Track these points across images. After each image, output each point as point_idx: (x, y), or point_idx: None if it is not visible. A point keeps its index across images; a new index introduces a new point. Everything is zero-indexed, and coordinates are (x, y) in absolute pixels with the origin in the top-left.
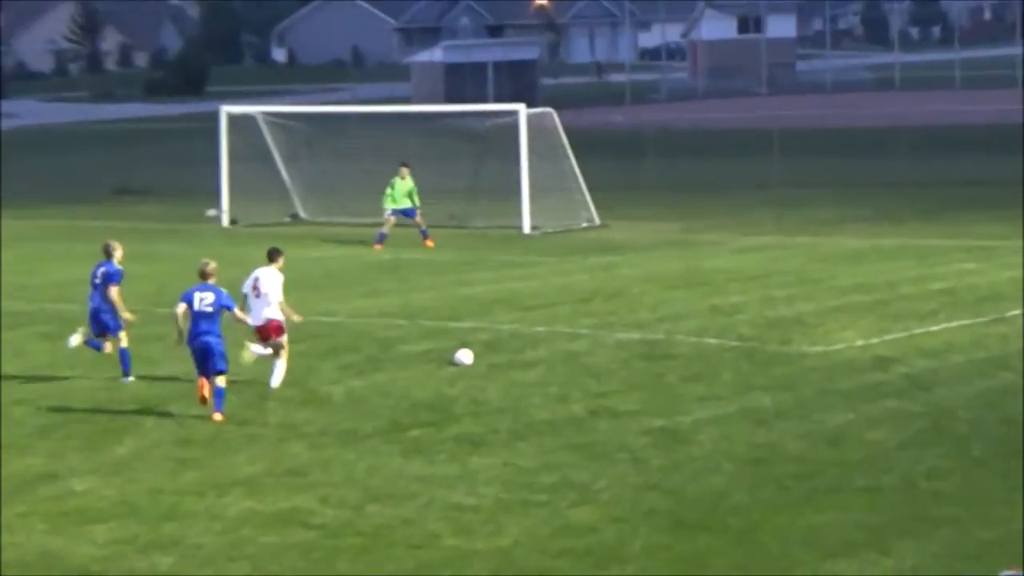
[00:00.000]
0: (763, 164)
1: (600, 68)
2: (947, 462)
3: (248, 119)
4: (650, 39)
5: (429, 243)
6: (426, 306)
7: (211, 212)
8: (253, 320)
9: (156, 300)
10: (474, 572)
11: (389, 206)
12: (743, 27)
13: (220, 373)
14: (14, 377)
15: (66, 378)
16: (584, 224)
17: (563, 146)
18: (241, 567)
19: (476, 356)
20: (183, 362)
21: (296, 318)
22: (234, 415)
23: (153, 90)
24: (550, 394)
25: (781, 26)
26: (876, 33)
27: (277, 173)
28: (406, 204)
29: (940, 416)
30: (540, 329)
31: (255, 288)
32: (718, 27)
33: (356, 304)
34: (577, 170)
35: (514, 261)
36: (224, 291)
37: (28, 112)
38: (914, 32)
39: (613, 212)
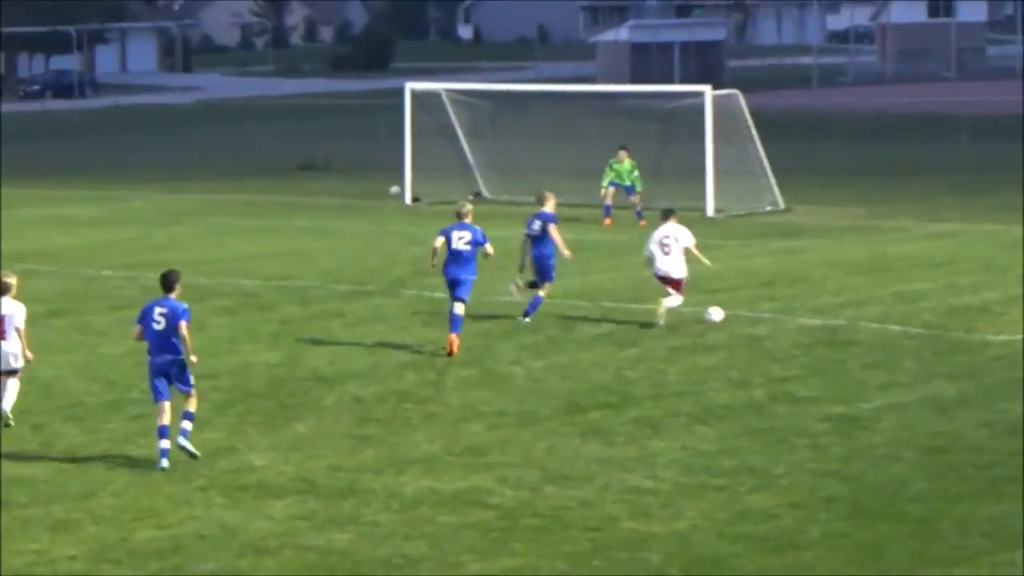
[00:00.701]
0: (951, 150)
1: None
2: None
3: (432, 96)
4: (839, 21)
5: (643, 223)
6: (607, 287)
7: (394, 189)
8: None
9: (336, 277)
10: (651, 555)
11: (608, 182)
12: (933, 11)
13: (462, 301)
14: (195, 351)
15: (247, 353)
16: (768, 207)
17: (748, 128)
18: (418, 546)
19: (656, 339)
20: (362, 337)
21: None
22: (413, 393)
23: (338, 65)
24: (730, 378)
25: (971, 10)
26: None
27: (460, 151)
28: (626, 183)
29: None
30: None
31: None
32: (908, 10)
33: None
34: (762, 153)
35: (697, 244)
36: (479, 229)
37: (213, 85)
38: None
39: (797, 196)
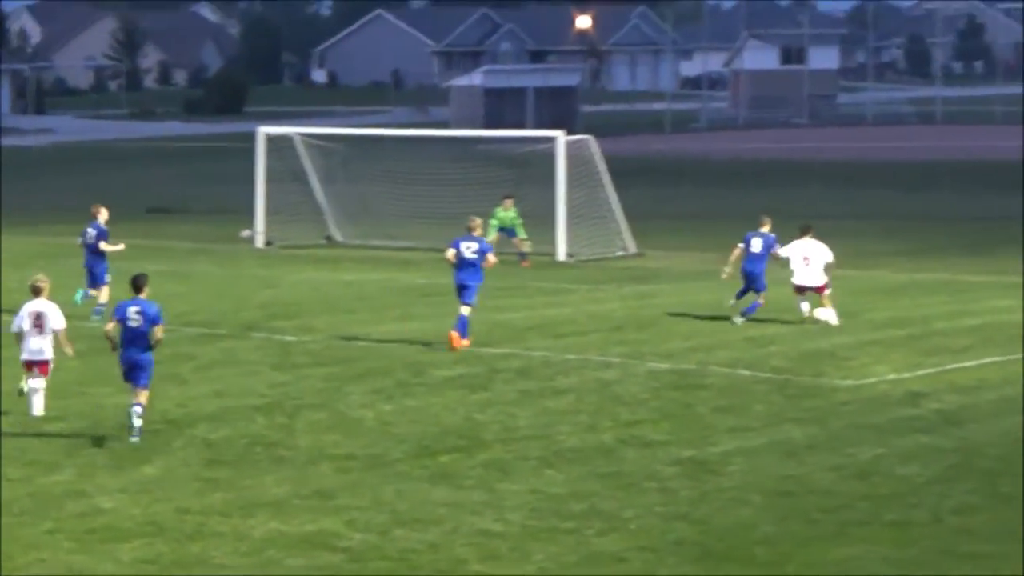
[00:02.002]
0: (803, 196)
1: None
2: (976, 498)
3: (286, 140)
4: (692, 68)
5: (526, 264)
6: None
7: (246, 233)
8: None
9: (188, 319)
10: None
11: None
12: (786, 58)
13: (469, 305)
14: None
15: (97, 395)
16: (619, 252)
17: (601, 174)
18: None
19: (507, 383)
20: (212, 381)
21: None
22: (263, 436)
23: (192, 109)
24: (580, 422)
25: (824, 58)
26: (919, 67)
27: (313, 195)
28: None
29: (970, 452)
30: (572, 357)
31: None
32: (761, 57)
33: (388, 328)
34: (614, 198)
35: (548, 288)
36: (485, 240)
37: (67, 128)
38: (957, 66)
39: (649, 241)
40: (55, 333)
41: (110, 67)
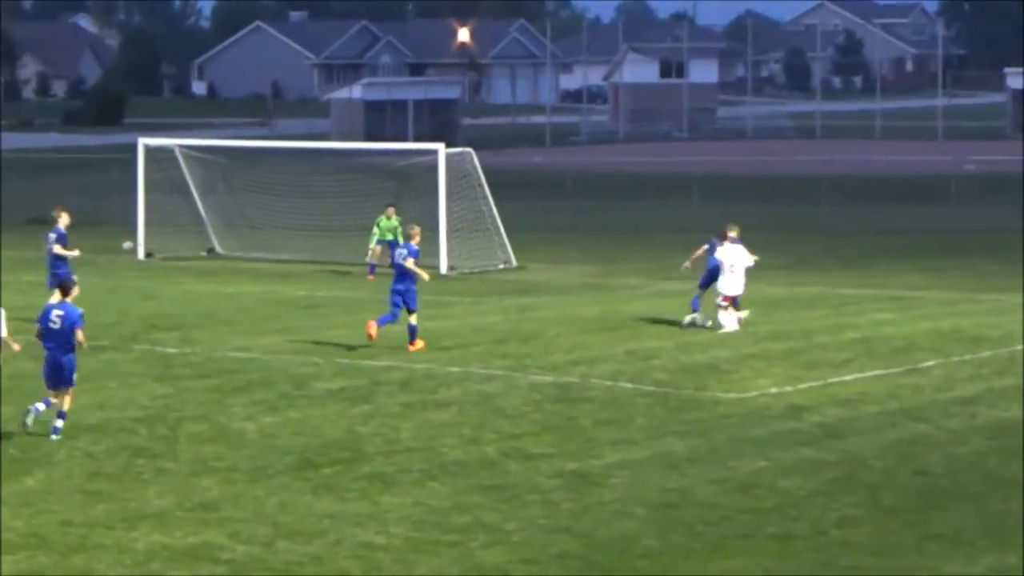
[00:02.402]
0: (683, 209)
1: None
2: (858, 511)
3: (166, 151)
4: (572, 81)
5: (371, 278)
6: (340, 344)
7: (127, 244)
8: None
9: None
10: None
11: (376, 241)
12: (665, 71)
13: (412, 312)
14: None
15: None
16: (501, 265)
17: (482, 186)
18: None
19: (389, 395)
20: (94, 393)
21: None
22: (145, 448)
23: (71, 120)
24: (463, 435)
25: (703, 71)
26: (798, 81)
27: (194, 206)
28: (389, 239)
29: (852, 465)
30: (454, 369)
31: None
32: (640, 71)
33: (270, 340)
34: (495, 211)
35: (430, 301)
36: (415, 247)
37: None
38: (836, 81)
39: (531, 254)
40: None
41: None
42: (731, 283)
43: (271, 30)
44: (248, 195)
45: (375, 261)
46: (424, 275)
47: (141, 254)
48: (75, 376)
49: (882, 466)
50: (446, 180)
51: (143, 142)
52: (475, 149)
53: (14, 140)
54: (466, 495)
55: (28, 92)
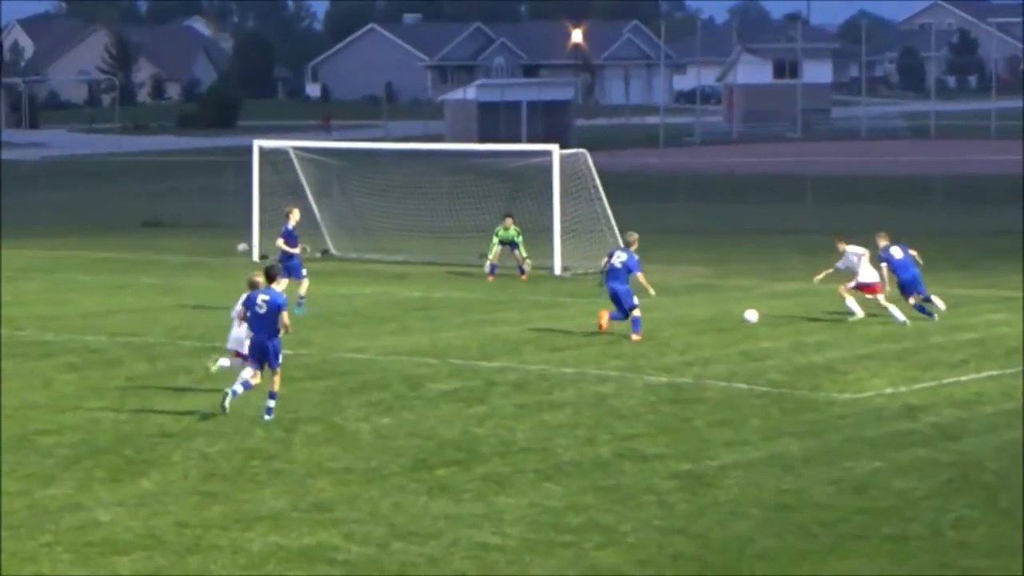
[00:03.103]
0: (796, 210)
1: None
2: (974, 513)
3: (280, 154)
4: (685, 82)
5: (524, 278)
6: (455, 345)
7: (242, 246)
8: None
9: (183, 333)
10: None
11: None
12: (779, 72)
13: (634, 308)
14: (41, 407)
15: (93, 409)
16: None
17: (596, 188)
18: None
19: (504, 396)
20: (209, 395)
21: None
22: (260, 450)
23: (185, 123)
24: (578, 435)
25: (817, 72)
26: (912, 81)
27: (308, 209)
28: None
29: (968, 466)
30: (569, 370)
31: None
32: (754, 72)
33: (385, 342)
34: (609, 212)
35: (544, 302)
36: (636, 257)
37: (59, 142)
38: (951, 81)
39: (644, 255)
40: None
41: (103, 81)
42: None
43: (385, 32)
44: (362, 197)
45: (496, 262)
46: (649, 289)
47: (256, 256)
48: (280, 358)
49: (998, 467)
50: (560, 181)
51: (258, 144)
52: (588, 150)
53: (129, 143)
54: (581, 496)
55: (143, 95)
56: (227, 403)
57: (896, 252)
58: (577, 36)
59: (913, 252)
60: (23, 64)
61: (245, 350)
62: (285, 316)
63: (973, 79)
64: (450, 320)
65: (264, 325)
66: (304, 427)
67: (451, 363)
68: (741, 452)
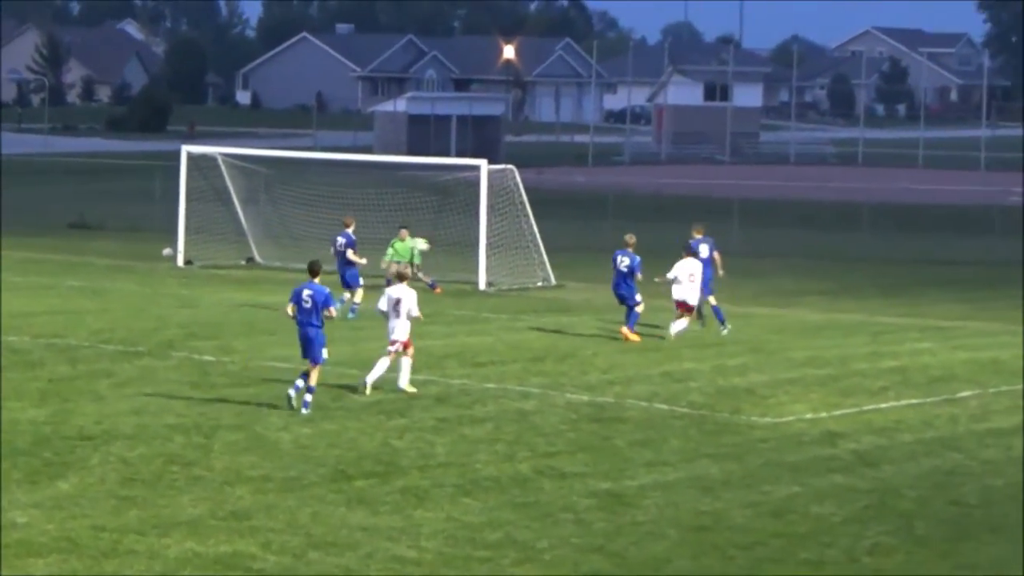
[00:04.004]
0: (723, 232)
1: None
2: (891, 540)
3: (209, 160)
4: (616, 101)
5: (438, 291)
6: (374, 356)
7: (167, 251)
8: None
9: (107, 337)
10: None
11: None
12: (710, 94)
13: (637, 304)
14: None
15: (12, 410)
16: (540, 283)
17: (523, 204)
18: None
19: (425, 410)
20: (130, 399)
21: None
22: (179, 456)
23: (115, 125)
24: (497, 451)
25: (747, 96)
26: (842, 108)
27: (235, 216)
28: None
29: (886, 493)
30: (490, 386)
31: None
32: (685, 93)
33: None
34: (536, 229)
35: (468, 316)
36: (637, 257)
37: None
38: (880, 109)
39: (570, 273)
40: (413, 319)
41: (33, 81)
42: (689, 292)
43: (317, 41)
44: (289, 206)
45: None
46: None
47: (181, 261)
48: (325, 352)
49: (916, 495)
50: (487, 196)
51: (186, 149)
52: (517, 166)
53: (58, 144)
54: (499, 512)
55: (73, 96)
56: (292, 393)
57: (703, 249)
58: (509, 52)
59: (716, 255)
60: None
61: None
62: (331, 309)
63: (902, 108)
64: (374, 332)
65: (310, 318)
66: (224, 434)
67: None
68: (660, 473)
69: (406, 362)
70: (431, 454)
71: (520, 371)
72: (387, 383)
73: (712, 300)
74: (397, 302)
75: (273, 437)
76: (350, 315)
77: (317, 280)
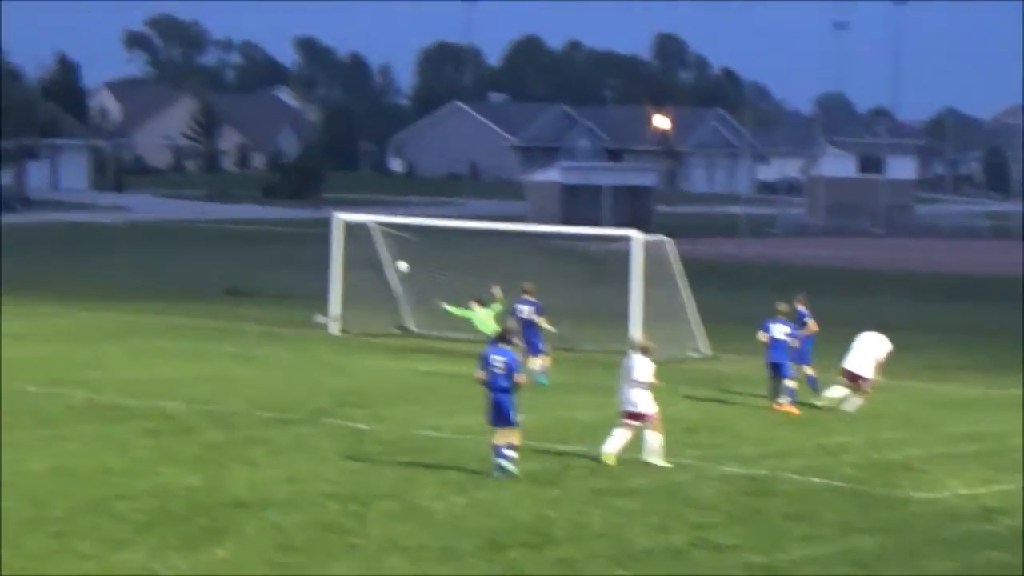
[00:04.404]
0: (877, 305)
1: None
2: None
3: (361, 227)
4: (769, 172)
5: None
6: (530, 427)
7: (319, 318)
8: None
9: (260, 403)
10: None
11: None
12: (863, 166)
13: (788, 377)
14: (117, 471)
15: (168, 475)
16: (693, 354)
17: (676, 274)
18: None
19: (578, 480)
20: (284, 466)
21: None
22: (335, 523)
23: (269, 192)
24: (651, 523)
25: (901, 168)
26: (997, 181)
27: (387, 283)
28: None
29: None
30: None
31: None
32: (838, 165)
33: (461, 420)
34: (689, 299)
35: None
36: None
37: (144, 206)
38: None
39: (724, 344)
40: (646, 386)
41: (189, 147)
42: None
43: (470, 110)
44: (442, 274)
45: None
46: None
47: (333, 328)
48: (518, 416)
49: None
50: (641, 267)
51: (340, 217)
52: (670, 236)
53: (212, 210)
54: None
55: (228, 163)
56: (502, 464)
57: (776, 330)
58: (662, 122)
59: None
60: (110, 127)
61: (637, 408)
62: (521, 375)
63: None
64: (527, 401)
65: (501, 383)
66: (379, 503)
67: (526, 444)
68: (815, 547)
69: (655, 436)
70: (585, 525)
71: (673, 442)
72: (542, 452)
73: (808, 369)
74: (631, 370)
75: (427, 506)
76: (543, 380)
77: (509, 347)
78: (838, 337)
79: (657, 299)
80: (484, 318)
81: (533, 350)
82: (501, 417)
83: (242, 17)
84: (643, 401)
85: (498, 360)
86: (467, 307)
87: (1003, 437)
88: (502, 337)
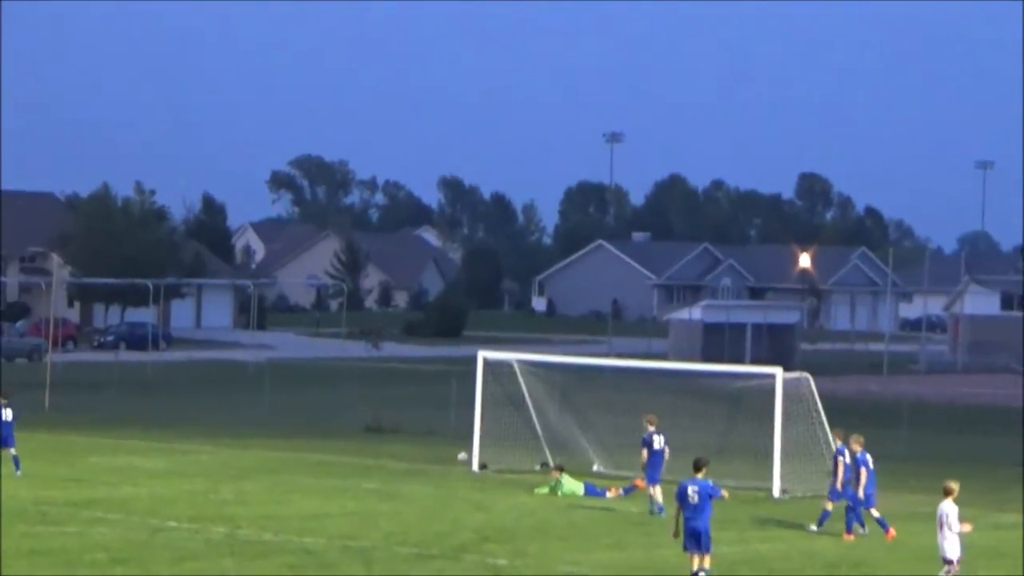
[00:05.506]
0: (1020, 443)
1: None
2: None
3: (504, 365)
4: (911, 310)
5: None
6: (672, 562)
7: (462, 456)
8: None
9: (400, 539)
10: None
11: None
12: (1006, 304)
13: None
14: None
15: None
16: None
17: (818, 411)
18: None
19: None
20: None
21: None
22: None
23: (411, 330)
24: None
25: None
26: None
27: (530, 420)
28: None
29: None
30: None
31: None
32: (981, 302)
33: (601, 556)
34: (831, 437)
35: (761, 521)
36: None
37: (286, 344)
38: None
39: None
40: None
41: (332, 286)
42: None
43: (613, 249)
44: (584, 411)
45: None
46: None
47: (475, 466)
48: (711, 543)
49: None
50: (782, 404)
51: (482, 355)
52: (812, 374)
53: (356, 349)
54: None
55: (370, 302)
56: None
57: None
58: (804, 260)
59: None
60: (253, 266)
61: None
62: (724, 492)
63: None
64: (666, 537)
65: (697, 512)
66: None
67: None
68: None
69: None
70: None
71: None
72: None
73: (875, 512)
74: (945, 516)
75: None
76: (659, 513)
77: (701, 475)
78: (977, 472)
79: (799, 435)
80: (569, 483)
81: (652, 480)
82: (699, 544)
83: (387, 157)
84: (952, 546)
85: (693, 491)
86: (556, 477)
87: None
88: (698, 467)
